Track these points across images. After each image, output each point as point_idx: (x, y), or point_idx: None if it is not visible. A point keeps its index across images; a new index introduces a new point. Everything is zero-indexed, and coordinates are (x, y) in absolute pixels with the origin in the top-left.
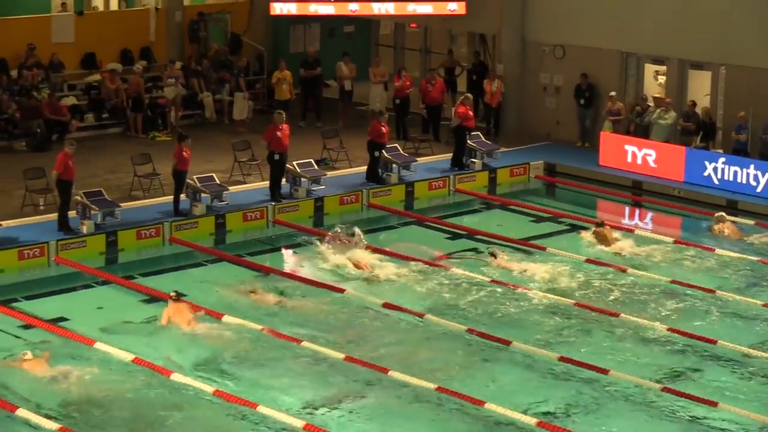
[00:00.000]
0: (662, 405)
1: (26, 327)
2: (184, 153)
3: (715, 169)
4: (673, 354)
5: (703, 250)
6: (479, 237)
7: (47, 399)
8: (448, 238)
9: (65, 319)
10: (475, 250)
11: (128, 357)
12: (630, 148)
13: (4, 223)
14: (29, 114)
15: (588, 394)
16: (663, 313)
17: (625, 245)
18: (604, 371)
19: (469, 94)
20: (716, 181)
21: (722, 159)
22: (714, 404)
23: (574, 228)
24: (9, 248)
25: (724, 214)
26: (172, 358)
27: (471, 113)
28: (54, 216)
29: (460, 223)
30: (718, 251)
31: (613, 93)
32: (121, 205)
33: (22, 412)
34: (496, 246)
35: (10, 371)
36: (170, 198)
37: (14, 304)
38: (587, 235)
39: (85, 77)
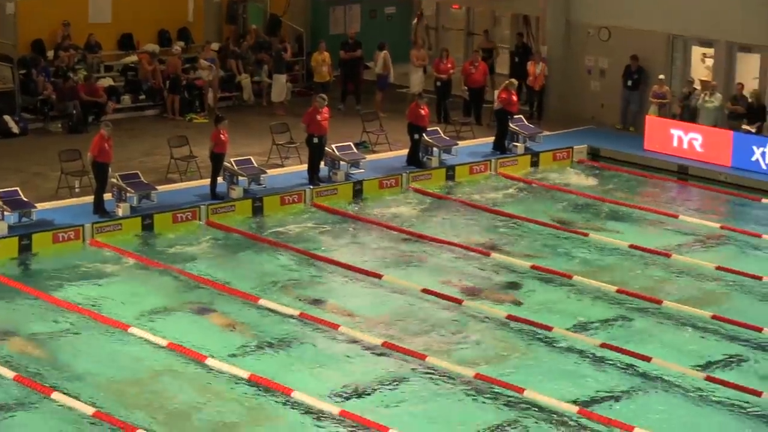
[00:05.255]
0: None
1: (60, 310)
2: (222, 135)
3: (763, 154)
4: (719, 342)
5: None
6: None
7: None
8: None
9: (99, 303)
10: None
11: (163, 342)
12: (676, 132)
13: (40, 205)
14: (65, 95)
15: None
16: (707, 300)
17: None
18: (647, 358)
19: (514, 80)
20: (765, 166)
21: None
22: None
23: (616, 214)
24: (44, 231)
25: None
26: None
27: (515, 98)
28: (90, 199)
29: (502, 208)
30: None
31: (662, 76)
32: (158, 187)
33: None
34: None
35: None
36: (207, 181)
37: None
38: None
39: (121, 58)
